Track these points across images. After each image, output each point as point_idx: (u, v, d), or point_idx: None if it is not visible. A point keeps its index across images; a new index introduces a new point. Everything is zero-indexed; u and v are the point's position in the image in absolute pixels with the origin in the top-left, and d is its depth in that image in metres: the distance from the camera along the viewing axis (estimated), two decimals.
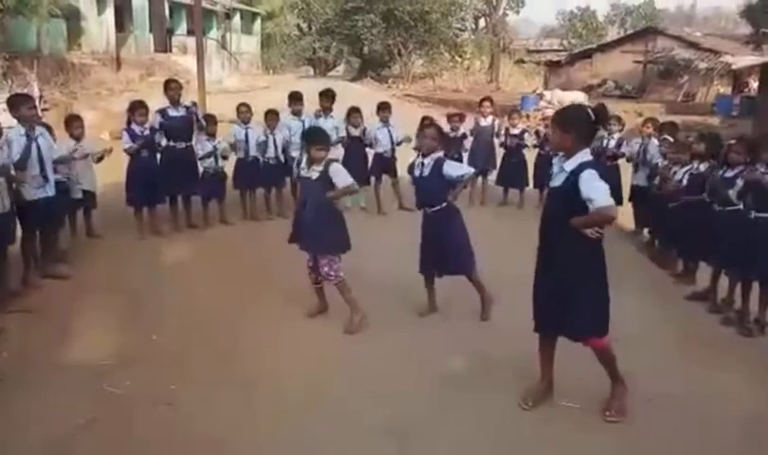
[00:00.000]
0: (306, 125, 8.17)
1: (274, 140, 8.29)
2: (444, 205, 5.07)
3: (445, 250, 5.11)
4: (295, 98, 8.52)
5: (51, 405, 3.90)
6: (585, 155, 3.55)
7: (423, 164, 5.05)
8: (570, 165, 3.52)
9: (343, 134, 8.55)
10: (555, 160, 3.72)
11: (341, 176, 4.91)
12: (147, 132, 7.16)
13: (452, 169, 5.09)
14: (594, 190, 3.37)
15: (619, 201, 8.06)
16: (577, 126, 3.56)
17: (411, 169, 5.22)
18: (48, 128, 6.52)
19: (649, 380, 4.32)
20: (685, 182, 6.18)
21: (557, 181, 3.61)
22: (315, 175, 4.90)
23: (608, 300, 3.70)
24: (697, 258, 6.21)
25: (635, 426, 3.79)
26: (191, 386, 4.15)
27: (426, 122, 9.24)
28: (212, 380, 4.25)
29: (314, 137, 4.98)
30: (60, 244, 6.54)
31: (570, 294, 3.64)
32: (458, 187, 5.17)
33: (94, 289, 5.88)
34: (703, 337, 5.18)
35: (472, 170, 5.61)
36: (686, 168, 6.22)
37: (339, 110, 8.73)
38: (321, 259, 5.00)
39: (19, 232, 5.70)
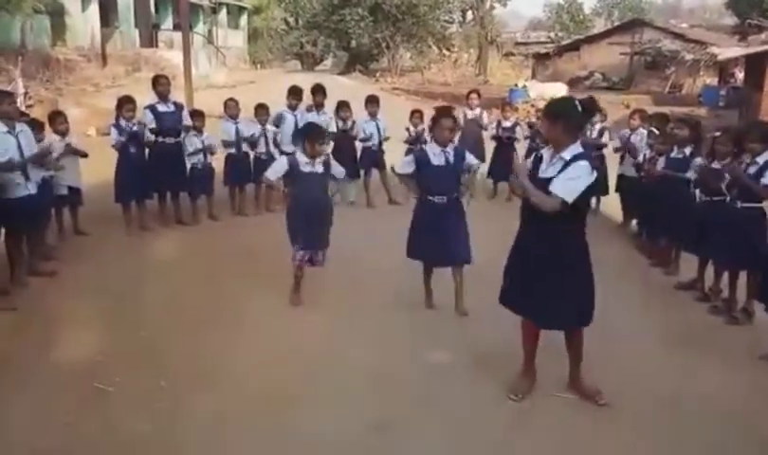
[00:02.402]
0: (299, 120, 8.20)
1: (265, 135, 8.26)
2: (456, 195, 5.09)
3: (453, 239, 5.07)
4: (293, 92, 8.47)
5: (40, 403, 3.87)
6: (578, 147, 3.61)
7: (444, 152, 4.97)
8: (567, 154, 3.56)
9: (333, 128, 8.53)
10: (544, 152, 3.75)
11: (339, 170, 5.38)
12: (135, 127, 7.12)
13: (470, 158, 5.22)
14: (570, 183, 3.49)
15: (606, 191, 8.17)
16: (565, 116, 3.62)
17: (420, 158, 5.02)
18: (40, 124, 6.50)
19: (638, 371, 4.36)
20: (661, 166, 6.33)
21: (550, 171, 3.61)
22: (321, 169, 5.16)
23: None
24: (683, 248, 6.26)
25: (623, 416, 3.82)
26: (181, 382, 4.13)
27: (416, 114, 9.27)
28: (202, 376, 4.23)
29: (315, 133, 5.18)
30: (47, 241, 6.49)
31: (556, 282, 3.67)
32: (469, 177, 5.33)
33: (82, 286, 5.84)
34: (691, 327, 5.22)
35: (480, 161, 5.71)
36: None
37: (328, 104, 8.70)
38: (322, 251, 5.28)
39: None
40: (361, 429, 3.66)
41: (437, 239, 5.03)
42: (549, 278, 3.67)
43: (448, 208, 5.04)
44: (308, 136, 5.13)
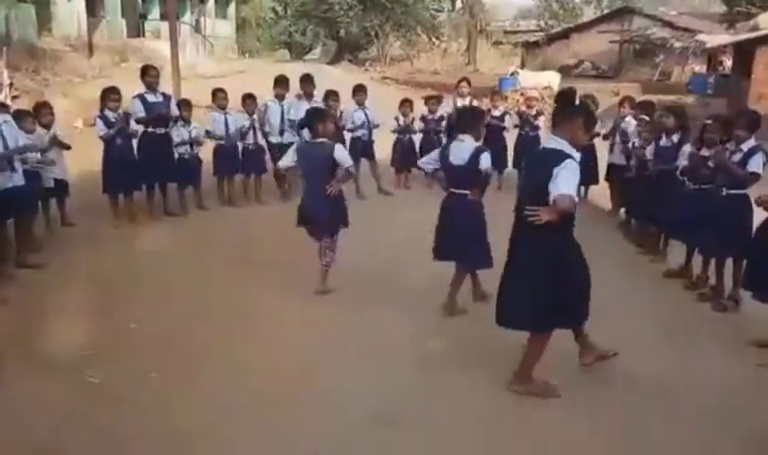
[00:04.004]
0: (286, 109, 8.20)
1: (254, 125, 8.21)
2: None
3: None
4: (280, 82, 8.46)
5: (30, 397, 3.85)
6: None
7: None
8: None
9: None
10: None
11: None
12: (120, 116, 7.05)
13: None
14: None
15: (596, 180, 8.21)
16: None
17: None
18: (32, 114, 6.56)
19: (626, 358, 4.37)
20: (649, 155, 6.37)
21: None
22: None
23: None
24: (672, 235, 6.30)
25: (613, 404, 3.86)
26: (172, 375, 4.12)
27: (406, 103, 9.24)
28: (193, 369, 4.22)
29: (324, 113, 5.39)
30: (34, 233, 6.44)
31: None
32: None
33: (70, 278, 5.80)
34: (679, 315, 5.26)
35: None
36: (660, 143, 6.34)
37: (316, 94, 8.65)
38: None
39: None
40: (364, 425, 3.63)
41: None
42: None
43: None
44: (318, 117, 5.18)
